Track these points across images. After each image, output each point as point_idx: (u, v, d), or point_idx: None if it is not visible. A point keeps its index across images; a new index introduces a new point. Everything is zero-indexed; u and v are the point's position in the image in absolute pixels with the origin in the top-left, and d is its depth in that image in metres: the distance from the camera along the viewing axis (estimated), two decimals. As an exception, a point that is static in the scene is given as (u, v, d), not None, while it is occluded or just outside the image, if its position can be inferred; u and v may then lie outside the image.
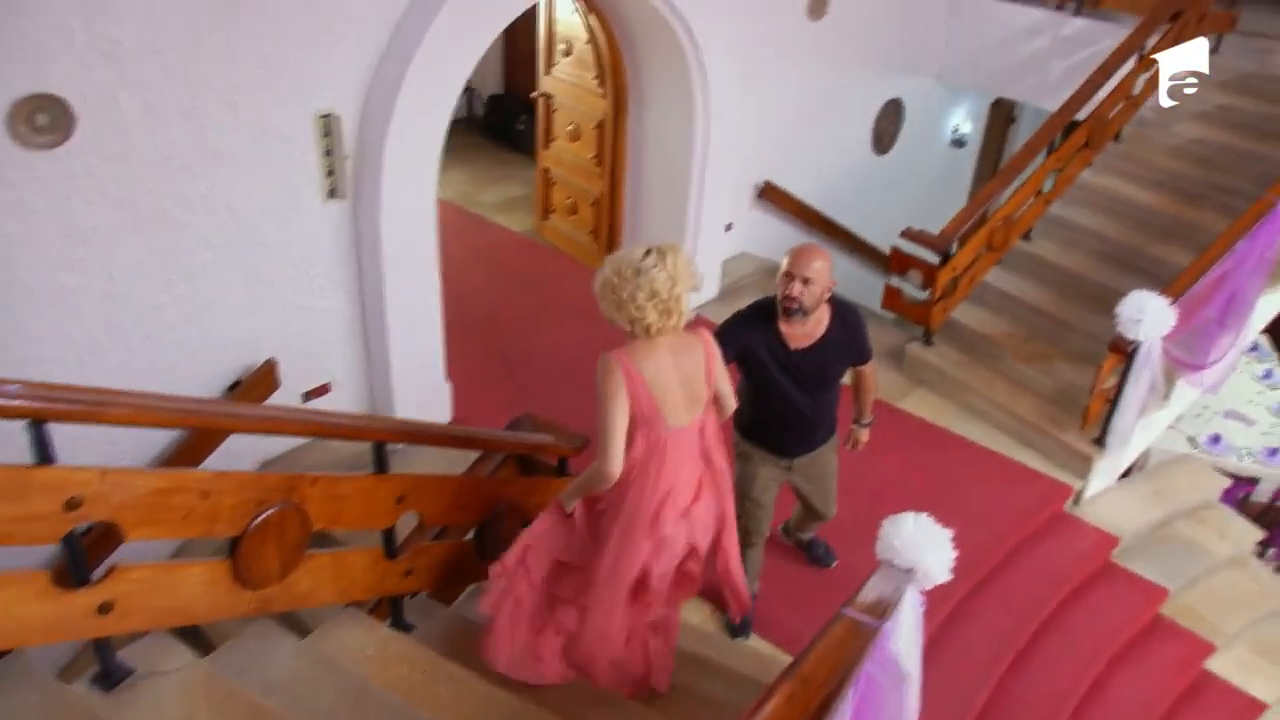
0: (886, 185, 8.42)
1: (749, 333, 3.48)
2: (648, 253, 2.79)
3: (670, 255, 2.80)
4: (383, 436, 3.09)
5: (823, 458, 3.88)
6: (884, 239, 7.60)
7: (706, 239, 6.65)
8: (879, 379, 5.47)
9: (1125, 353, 5.04)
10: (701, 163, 6.32)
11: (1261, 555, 5.98)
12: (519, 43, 9.54)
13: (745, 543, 3.84)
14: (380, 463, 3.08)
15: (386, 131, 4.42)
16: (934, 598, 3.29)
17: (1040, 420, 5.64)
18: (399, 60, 4.39)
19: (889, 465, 5.35)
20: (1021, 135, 10.53)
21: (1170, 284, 5.27)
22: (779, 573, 4.56)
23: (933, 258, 6.01)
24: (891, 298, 6.35)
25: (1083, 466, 5.38)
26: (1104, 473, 5.47)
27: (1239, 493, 6.24)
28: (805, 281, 3.33)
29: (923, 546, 3.41)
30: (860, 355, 3.68)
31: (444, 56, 4.48)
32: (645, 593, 3.16)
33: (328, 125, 4.38)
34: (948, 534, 3.44)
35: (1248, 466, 6.52)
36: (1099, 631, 4.72)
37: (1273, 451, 6.62)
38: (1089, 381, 5.47)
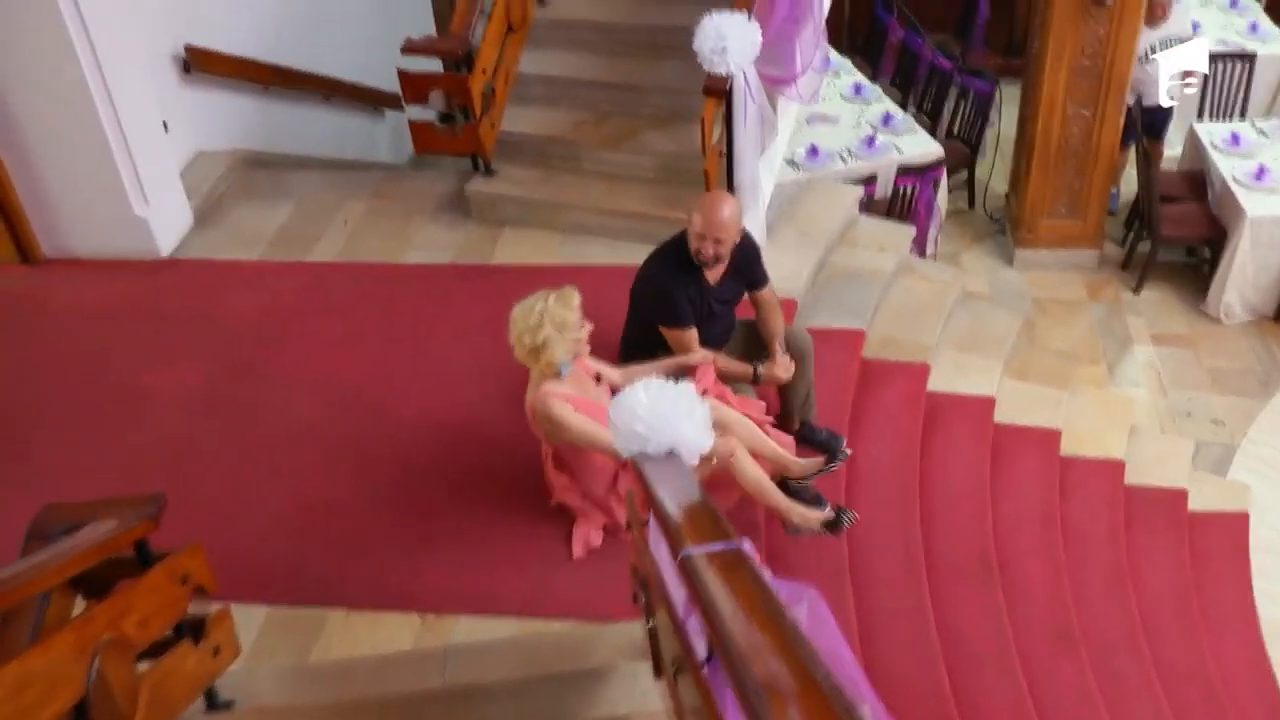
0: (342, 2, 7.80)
1: (686, 295, 4.44)
2: None
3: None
4: None
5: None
6: (374, 72, 7.09)
7: (144, 155, 5.70)
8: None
9: (722, 92, 5.13)
10: (87, 50, 5.26)
11: (922, 253, 6.72)
12: None
13: None
14: None
15: None
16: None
17: (657, 208, 5.72)
18: None
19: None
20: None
21: (731, -5, 5.40)
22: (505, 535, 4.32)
23: (452, 68, 5.70)
24: (425, 137, 5.96)
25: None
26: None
27: (864, 197, 6.87)
28: (717, 241, 4.31)
29: (669, 416, 3.23)
30: (756, 276, 4.68)
31: None
32: None
33: None
34: (687, 387, 3.30)
35: (856, 167, 7.19)
36: (823, 405, 4.97)
37: (870, 140, 7.35)
38: (691, 143, 5.55)
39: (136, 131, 5.58)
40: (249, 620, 3.99)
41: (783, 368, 4.61)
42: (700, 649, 2.14)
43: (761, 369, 4.58)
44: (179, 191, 6.01)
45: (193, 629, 3.27)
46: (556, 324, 3.89)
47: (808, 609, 2.03)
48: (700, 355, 4.41)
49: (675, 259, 4.50)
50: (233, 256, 5.88)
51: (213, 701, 3.46)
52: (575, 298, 3.98)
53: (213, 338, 5.33)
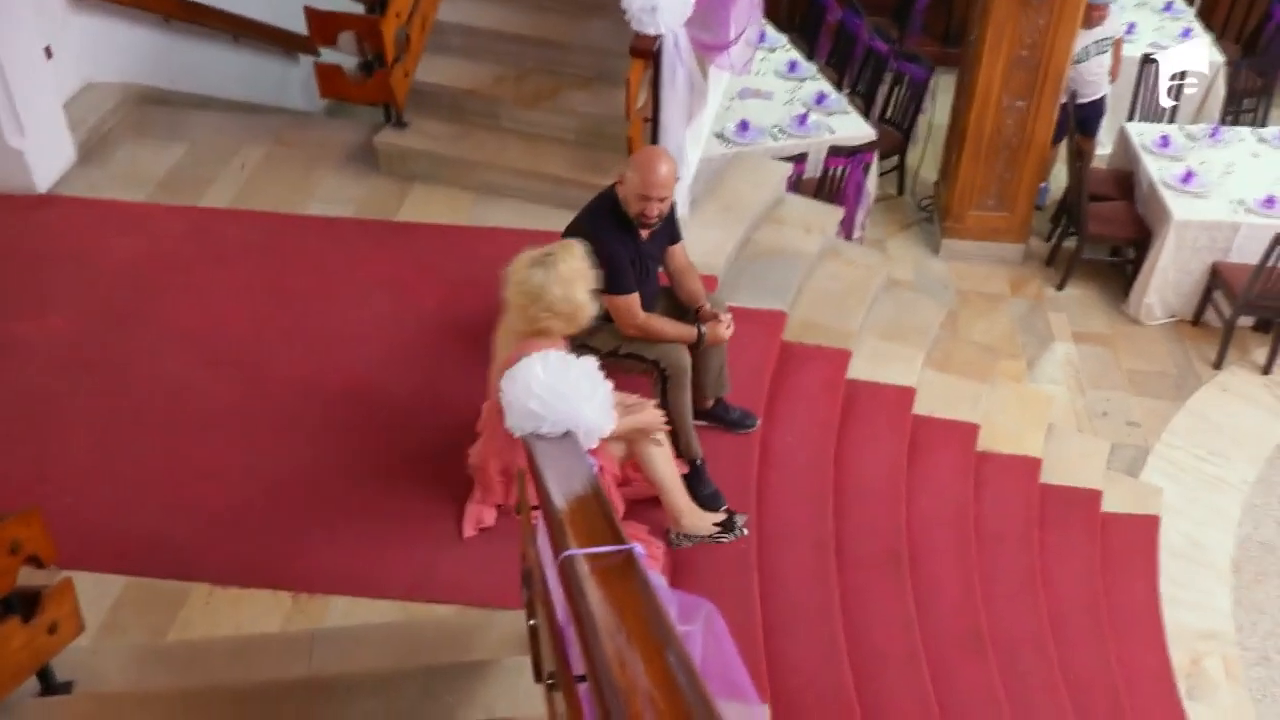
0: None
1: (628, 257, 4.13)
2: None
3: None
4: None
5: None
6: (289, 13, 6.62)
7: (21, 82, 5.22)
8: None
9: (650, 53, 4.87)
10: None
11: (849, 236, 6.48)
12: None
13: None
14: None
15: None
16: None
17: (576, 172, 5.45)
18: None
19: (426, 305, 4.84)
20: None
21: (663, -49, 5.10)
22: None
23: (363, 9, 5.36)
24: (332, 81, 5.58)
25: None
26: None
27: (793, 175, 6.62)
28: (662, 200, 4.10)
29: (569, 395, 2.98)
30: (676, 228, 4.47)
31: None
32: None
33: None
34: (590, 365, 3.05)
35: (786, 144, 6.94)
36: (740, 388, 4.73)
37: (802, 119, 7.11)
38: (616, 106, 5.28)
39: (13, 56, 5.09)
40: (104, 592, 3.65)
41: (725, 324, 4.36)
42: (577, 663, 1.86)
43: (705, 329, 4.32)
44: (60, 123, 5.53)
45: (24, 603, 2.91)
46: (566, 314, 3.56)
47: (703, 625, 1.77)
48: (656, 417, 3.96)
49: (611, 218, 4.17)
50: (117, 197, 5.43)
51: (49, 683, 3.10)
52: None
53: (88, 283, 4.91)
